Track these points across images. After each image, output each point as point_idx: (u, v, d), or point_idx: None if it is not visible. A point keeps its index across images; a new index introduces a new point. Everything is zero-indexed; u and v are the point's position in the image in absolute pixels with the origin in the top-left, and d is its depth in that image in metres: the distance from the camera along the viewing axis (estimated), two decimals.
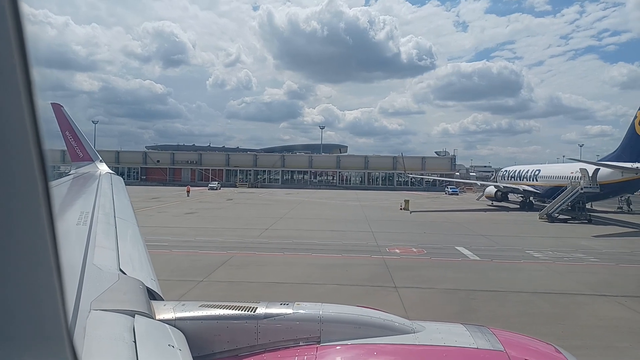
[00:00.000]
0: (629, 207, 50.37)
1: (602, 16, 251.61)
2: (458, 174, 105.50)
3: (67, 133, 11.49)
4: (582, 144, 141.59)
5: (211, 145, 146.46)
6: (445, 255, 21.09)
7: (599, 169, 37.01)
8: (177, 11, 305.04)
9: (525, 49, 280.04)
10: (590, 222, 36.96)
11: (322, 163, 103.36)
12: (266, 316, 3.07)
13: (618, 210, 50.03)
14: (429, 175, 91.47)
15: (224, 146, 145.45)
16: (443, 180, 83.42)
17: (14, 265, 1.25)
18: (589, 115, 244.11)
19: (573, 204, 38.83)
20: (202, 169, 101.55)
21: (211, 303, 3.20)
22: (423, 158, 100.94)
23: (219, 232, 26.87)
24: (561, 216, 38.37)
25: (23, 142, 1.11)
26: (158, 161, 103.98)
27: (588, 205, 50.82)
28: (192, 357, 2.47)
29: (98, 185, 8.04)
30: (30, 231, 1.24)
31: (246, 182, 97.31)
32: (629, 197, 51.34)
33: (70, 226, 4.63)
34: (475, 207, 51.14)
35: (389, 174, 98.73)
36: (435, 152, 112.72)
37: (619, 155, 36.98)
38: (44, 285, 1.30)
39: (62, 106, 11.61)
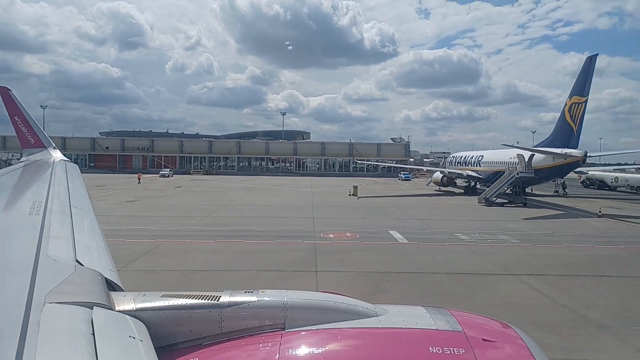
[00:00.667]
0: (564, 191, 53.33)
1: (556, 6, 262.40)
2: (412, 160, 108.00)
3: (16, 118, 10.77)
4: (535, 131, 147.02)
5: (169, 132, 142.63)
6: (376, 239, 21.59)
7: (534, 154, 38.91)
8: None
9: (485, 37, 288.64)
10: (525, 205, 38.80)
11: (279, 150, 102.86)
12: (230, 304, 3.03)
13: (554, 193, 52.88)
14: (383, 162, 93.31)
15: (182, 132, 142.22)
16: (395, 166, 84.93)
17: None
18: (543, 103, 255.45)
19: (513, 188, 40.69)
20: (154, 156, 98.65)
21: (173, 293, 3.13)
22: (378, 144, 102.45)
23: (154, 220, 26.29)
24: (499, 200, 40.02)
25: None
26: (107, 148, 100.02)
27: (528, 190, 53.79)
28: (154, 347, 2.42)
29: (52, 173, 7.62)
30: None
31: (201, 169, 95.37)
32: (564, 181, 54.34)
33: (21, 216, 4.44)
34: (422, 193, 52.57)
35: (345, 161, 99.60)
36: (391, 139, 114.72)
37: (551, 142, 38.92)
38: None
39: (9, 90, 10.85)
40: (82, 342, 2.01)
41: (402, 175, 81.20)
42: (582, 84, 35.32)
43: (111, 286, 3.16)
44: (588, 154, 35.95)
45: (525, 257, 18.13)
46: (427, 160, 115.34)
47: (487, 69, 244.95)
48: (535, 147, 41.30)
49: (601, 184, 61.55)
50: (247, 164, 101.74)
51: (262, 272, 15.13)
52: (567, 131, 36.48)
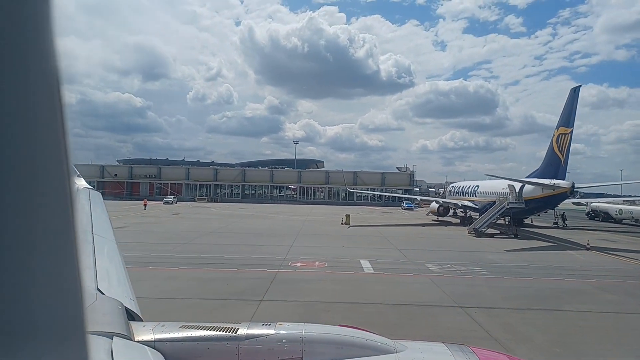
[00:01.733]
0: (564, 223, 52.25)
1: (573, 39, 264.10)
2: (418, 189, 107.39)
3: None
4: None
5: (185, 159, 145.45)
6: (343, 268, 21.40)
7: (524, 185, 38.48)
8: (158, 25, 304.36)
9: (502, 69, 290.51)
10: (516, 237, 38.06)
11: (284, 178, 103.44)
12: (247, 337, 3.03)
13: (553, 225, 51.81)
14: (387, 191, 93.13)
15: (198, 160, 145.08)
16: (382, 195, 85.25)
17: (41, 266, 1.22)
18: None
19: (508, 219, 40.09)
20: (160, 183, 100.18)
21: (192, 324, 3.14)
22: (382, 174, 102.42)
23: (130, 247, 26.54)
24: (489, 231, 39.40)
25: (53, 141, 1.12)
26: (116, 175, 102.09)
27: (528, 221, 52.93)
28: None
29: None
30: (58, 233, 1.22)
31: (205, 197, 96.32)
32: (563, 212, 53.42)
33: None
34: (418, 222, 52.10)
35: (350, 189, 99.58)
36: (397, 168, 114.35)
37: (541, 172, 38.53)
38: (68, 287, 1.27)
39: None
40: None
41: (404, 205, 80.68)
42: (568, 115, 35.23)
43: (131, 315, 3.20)
44: (575, 185, 35.45)
45: (484, 290, 17.74)
46: (432, 189, 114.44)
47: (504, 99, 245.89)
48: (527, 177, 40.69)
49: (606, 216, 60.27)
50: (252, 191, 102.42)
51: (202, 301, 15.09)
52: (555, 162, 36.17)
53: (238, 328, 3.10)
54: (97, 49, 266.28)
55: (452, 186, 64.64)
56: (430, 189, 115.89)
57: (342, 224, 45.93)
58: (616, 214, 58.52)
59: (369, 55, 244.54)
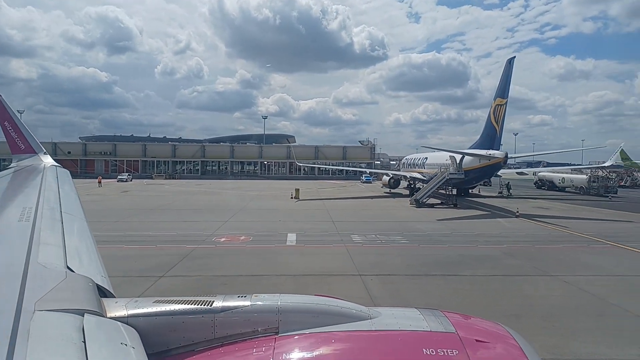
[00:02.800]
0: (509, 192, 54.03)
1: (544, 10, 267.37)
2: (379, 162, 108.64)
3: (5, 123, 10.41)
4: (517, 133, 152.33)
5: (151, 136, 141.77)
6: (266, 242, 21.50)
7: (464, 156, 39.40)
8: None
9: (475, 41, 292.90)
10: (456, 206, 39.12)
11: (245, 153, 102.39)
12: (223, 309, 3.00)
13: (498, 194, 53.60)
14: (349, 165, 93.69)
15: (164, 137, 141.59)
16: (344, 170, 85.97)
17: None
18: (531, 106, 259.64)
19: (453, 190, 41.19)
20: (116, 160, 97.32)
21: (166, 298, 3.07)
22: (344, 147, 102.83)
23: None
24: (430, 201, 40.29)
25: None
26: (69, 152, 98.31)
27: (475, 191, 54.55)
28: (147, 354, 2.39)
29: (42, 178, 7.51)
30: None
31: (163, 174, 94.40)
32: (508, 182, 55.32)
33: (11, 223, 4.37)
34: (370, 195, 52.76)
35: (311, 163, 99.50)
36: (359, 142, 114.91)
37: (480, 143, 39.53)
38: None
39: None
40: (72, 350, 1.97)
41: (363, 178, 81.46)
42: (504, 87, 35.98)
43: (103, 292, 3.11)
44: (509, 155, 36.58)
45: (393, 258, 18.24)
46: (394, 162, 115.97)
47: (476, 72, 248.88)
48: (469, 149, 41.65)
49: (551, 185, 62.73)
50: (212, 167, 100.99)
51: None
52: (491, 132, 37.11)
53: (213, 301, 3.08)
54: (57, 20, 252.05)
55: (406, 159, 65.60)
56: (391, 162, 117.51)
57: (291, 198, 46.06)
58: (559, 183, 61.00)
59: (342, 27, 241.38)
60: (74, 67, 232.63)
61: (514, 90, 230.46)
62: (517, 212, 32.89)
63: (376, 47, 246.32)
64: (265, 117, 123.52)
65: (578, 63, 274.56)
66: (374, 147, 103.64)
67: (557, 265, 17.27)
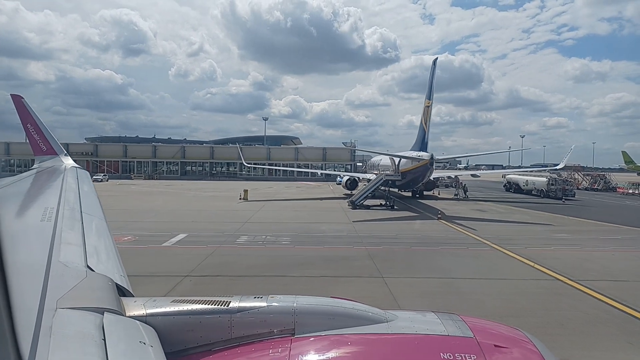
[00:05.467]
0: (465, 194, 53.76)
1: (561, 11, 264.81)
2: (360, 163, 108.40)
3: (28, 126, 10.84)
4: (524, 135, 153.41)
5: (156, 137, 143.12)
6: (148, 242, 21.60)
7: (401, 159, 39.41)
8: None
9: (489, 42, 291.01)
10: (393, 208, 38.99)
11: (224, 154, 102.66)
12: (239, 310, 3.04)
13: (454, 197, 53.38)
14: (328, 167, 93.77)
15: (169, 138, 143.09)
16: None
17: None
18: (546, 108, 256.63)
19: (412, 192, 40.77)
20: (96, 161, 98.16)
21: (183, 298, 3.13)
22: (324, 149, 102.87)
23: None
24: (367, 203, 40.14)
25: None
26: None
27: (430, 193, 54.46)
28: (165, 353, 2.41)
29: (63, 179, 7.76)
30: None
31: (142, 174, 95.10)
32: (464, 184, 55.12)
33: (33, 223, 4.48)
34: (326, 196, 52.79)
35: (290, 165, 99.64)
36: (343, 143, 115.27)
37: (415, 145, 39.63)
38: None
39: (22, 97, 10.88)
40: (93, 348, 2.01)
41: (337, 180, 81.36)
42: (429, 88, 35.90)
43: (121, 291, 3.16)
44: (435, 157, 36.49)
45: (241, 259, 18.24)
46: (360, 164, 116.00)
47: (491, 74, 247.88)
48: (410, 150, 41.62)
49: (517, 187, 62.31)
50: (192, 168, 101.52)
51: None
52: (421, 134, 37.12)
53: (230, 301, 3.12)
54: (74, 23, 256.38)
55: (371, 161, 65.63)
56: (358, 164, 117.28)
57: (240, 199, 46.18)
58: (524, 185, 60.56)
59: (354, 29, 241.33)
60: (90, 70, 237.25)
61: (529, 92, 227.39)
62: (439, 215, 32.79)
63: (388, 48, 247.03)
64: (265, 119, 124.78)
65: (594, 64, 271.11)
66: (354, 149, 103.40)
67: (402, 267, 17.28)
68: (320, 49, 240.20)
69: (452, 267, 17.51)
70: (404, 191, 42.70)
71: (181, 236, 23.29)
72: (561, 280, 15.62)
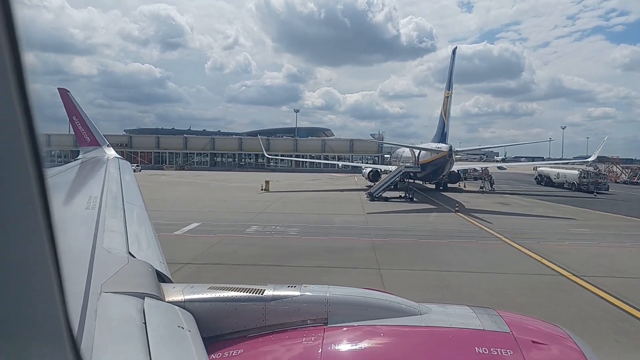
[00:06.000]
0: (491, 187, 52.38)
1: None
2: (388, 155, 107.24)
3: (74, 118, 11.44)
4: (565, 127, 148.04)
5: (191, 129, 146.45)
6: (159, 231, 22.30)
7: (420, 151, 38.88)
8: None
9: (531, 30, 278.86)
10: (412, 200, 38.59)
11: (252, 146, 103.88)
12: (274, 298, 3.12)
13: (480, 189, 52.14)
14: (355, 159, 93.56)
15: (204, 130, 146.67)
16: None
17: (9, 262, 1.22)
18: (592, 98, 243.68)
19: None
20: (131, 152, 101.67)
21: (220, 285, 3.24)
22: (351, 140, 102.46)
23: None
24: (386, 194, 39.82)
25: (13, 129, 1.06)
26: None
27: (455, 185, 53.46)
28: (202, 338, 2.52)
29: (106, 169, 8.07)
30: (24, 225, 1.20)
31: (173, 165, 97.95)
32: (491, 177, 53.68)
33: (79, 211, 4.71)
34: (347, 188, 52.72)
35: (316, 157, 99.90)
36: (371, 135, 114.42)
37: (435, 137, 38.93)
38: (40, 282, 1.26)
39: (68, 91, 11.52)
40: (135, 330, 2.11)
41: (364, 172, 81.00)
42: (449, 78, 35.10)
43: (161, 277, 3.29)
44: (454, 148, 35.70)
45: (249, 248, 18.62)
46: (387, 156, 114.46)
47: (532, 62, 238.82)
48: (430, 142, 40.97)
49: (548, 181, 60.19)
50: (225, 159, 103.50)
51: None
52: (441, 125, 36.44)
53: (264, 290, 3.18)
54: (115, 19, 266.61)
55: (396, 152, 64.92)
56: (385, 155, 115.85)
57: (261, 190, 46.85)
58: (555, 178, 58.42)
59: (389, 19, 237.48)
60: (130, 64, 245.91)
61: (573, 81, 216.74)
62: (457, 207, 32.23)
63: (424, 38, 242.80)
64: (297, 111, 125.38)
65: None
66: (381, 142, 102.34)
67: (403, 259, 17.26)
68: (354, 40, 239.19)
69: (455, 260, 17.30)
70: (428, 184, 42.11)
71: (194, 225, 23.99)
72: (565, 276, 15.17)
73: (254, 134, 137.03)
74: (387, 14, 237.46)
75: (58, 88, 11.65)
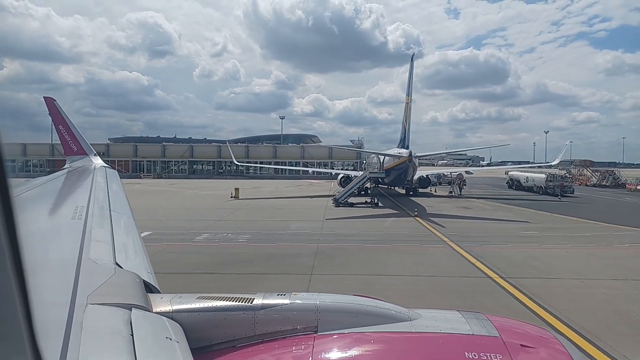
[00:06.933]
0: (459, 191, 53.14)
1: (593, 2, 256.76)
2: (365, 162, 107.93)
3: (60, 127, 11.36)
4: (548, 131, 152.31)
5: (176, 137, 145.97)
6: None
7: (385, 156, 39.42)
8: (161, 1, 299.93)
9: (517, 36, 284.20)
10: (376, 206, 38.96)
11: (232, 153, 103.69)
12: (263, 307, 3.10)
13: (449, 194, 52.83)
14: (334, 165, 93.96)
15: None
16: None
17: None
18: (576, 102, 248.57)
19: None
20: (108, 160, 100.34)
21: (208, 295, 3.22)
22: (330, 148, 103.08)
23: None
24: (351, 200, 40.13)
25: None
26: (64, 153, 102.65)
27: (427, 190, 54.10)
28: (190, 349, 2.47)
29: (93, 179, 8.00)
30: None
31: (150, 173, 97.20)
32: (460, 181, 54.47)
33: (65, 220, 4.67)
34: (318, 194, 52.95)
35: (295, 163, 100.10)
36: (351, 141, 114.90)
37: (399, 142, 39.39)
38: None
39: (54, 100, 11.40)
40: (121, 343, 2.08)
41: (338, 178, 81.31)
42: (408, 85, 35.70)
43: (149, 288, 3.26)
44: (414, 153, 36.23)
45: (189, 257, 18.66)
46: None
47: (518, 68, 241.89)
48: (395, 148, 41.48)
49: (518, 184, 61.21)
50: (204, 167, 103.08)
51: None
52: (403, 131, 36.94)
53: (253, 298, 3.16)
54: (102, 27, 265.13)
55: (369, 159, 65.19)
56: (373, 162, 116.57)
57: (231, 197, 46.80)
58: (525, 182, 59.46)
59: (376, 26, 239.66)
60: (117, 72, 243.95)
61: (558, 86, 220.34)
62: (416, 213, 32.65)
63: (411, 45, 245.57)
64: (282, 118, 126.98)
65: (627, 56, 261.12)
66: (361, 147, 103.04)
67: (338, 264, 17.43)
68: (342, 46, 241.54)
69: (390, 264, 17.55)
70: (399, 189, 42.67)
71: (145, 234, 23.85)
72: (491, 278, 15.52)
73: (241, 140, 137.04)
74: (374, 21, 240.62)
75: (44, 97, 11.63)
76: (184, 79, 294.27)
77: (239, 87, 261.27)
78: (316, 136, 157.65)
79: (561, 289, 14.24)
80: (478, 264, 17.49)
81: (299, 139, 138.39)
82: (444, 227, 27.08)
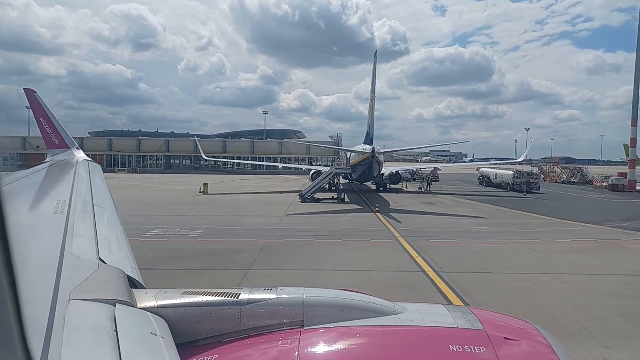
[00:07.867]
0: (428, 187, 53.78)
1: (576, 1, 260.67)
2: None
3: (41, 119, 11.03)
4: (529, 128, 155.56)
5: (158, 131, 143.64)
6: None
7: (352, 152, 39.65)
8: None
9: (502, 34, 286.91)
10: (342, 201, 39.16)
11: (209, 148, 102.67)
12: (249, 301, 3.09)
13: (418, 190, 53.44)
14: (312, 160, 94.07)
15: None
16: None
17: None
18: (558, 100, 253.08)
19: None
20: None
21: (194, 290, 3.19)
22: (308, 144, 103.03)
23: None
24: (317, 196, 40.25)
25: None
26: (37, 147, 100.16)
27: (398, 185, 54.64)
28: (175, 344, 2.44)
29: (75, 172, 7.83)
30: None
31: (125, 167, 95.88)
32: (429, 177, 55.24)
33: (47, 215, 4.56)
34: (287, 190, 52.84)
35: (273, 159, 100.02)
36: (329, 136, 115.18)
37: (365, 139, 39.64)
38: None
39: (35, 92, 11.09)
40: (105, 338, 2.05)
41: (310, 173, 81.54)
42: (372, 81, 36.04)
43: (133, 283, 3.22)
44: (378, 150, 36.63)
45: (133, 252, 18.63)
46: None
47: (502, 66, 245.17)
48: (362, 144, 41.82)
49: (488, 181, 62.19)
50: (188, 161, 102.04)
51: None
52: (368, 128, 37.22)
53: (239, 293, 3.15)
54: (84, 18, 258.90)
55: (341, 155, 65.59)
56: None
57: (199, 192, 46.49)
58: (494, 179, 60.45)
59: (363, 22, 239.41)
60: (100, 64, 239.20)
61: (541, 85, 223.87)
62: (377, 208, 32.99)
63: (398, 41, 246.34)
64: (265, 113, 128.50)
65: (608, 56, 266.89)
66: (339, 143, 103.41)
67: (279, 260, 17.63)
68: (328, 42, 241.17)
69: (331, 259, 17.76)
70: (371, 184, 43.02)
71: None
72: (425, 272, 15.86)
73: (224, 135, 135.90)
74: (361, 17, 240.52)
75: (24, 89, 11.33)
76: (168, 72, 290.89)
77: (225, 82, 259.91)
78: (300, 132, 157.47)
79: (488, 283, 14.65)
80: (418, 258, 17.82)
81: (284, 134, 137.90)
82: (400, 222, 27.46)
